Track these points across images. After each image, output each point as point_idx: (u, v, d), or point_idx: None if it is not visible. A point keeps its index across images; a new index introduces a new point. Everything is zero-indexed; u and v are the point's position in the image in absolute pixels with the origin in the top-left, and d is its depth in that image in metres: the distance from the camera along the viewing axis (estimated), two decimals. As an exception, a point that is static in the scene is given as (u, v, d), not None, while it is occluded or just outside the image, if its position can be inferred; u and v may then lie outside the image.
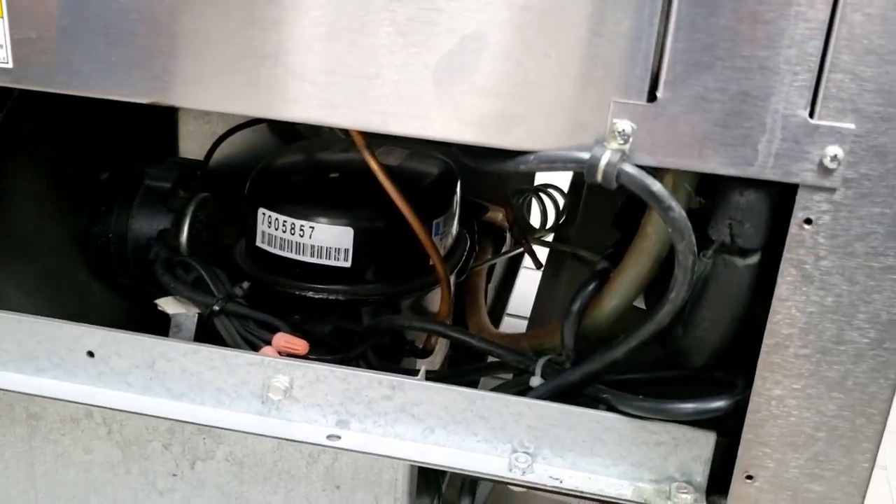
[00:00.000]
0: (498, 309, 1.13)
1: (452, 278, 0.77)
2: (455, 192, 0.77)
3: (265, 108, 0.50)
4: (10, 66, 0.52)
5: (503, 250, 1.01)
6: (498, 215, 0.97)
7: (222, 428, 0.59)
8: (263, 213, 0.70)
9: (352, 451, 0.57)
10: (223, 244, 0.78)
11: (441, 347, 0.78)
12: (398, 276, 0.70)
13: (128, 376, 0.60)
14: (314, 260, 0.68)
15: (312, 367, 0.57)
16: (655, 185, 0.45)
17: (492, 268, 1.03)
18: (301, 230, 0.68)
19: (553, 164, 0.47)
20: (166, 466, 0.62)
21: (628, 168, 0.45)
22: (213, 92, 0.50)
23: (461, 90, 0.47)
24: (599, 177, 0.45)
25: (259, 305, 0.69)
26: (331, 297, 0.68)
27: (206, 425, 0.59)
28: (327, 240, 0.68)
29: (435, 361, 0.78)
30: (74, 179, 0.76)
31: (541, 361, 0.59)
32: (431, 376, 0.60)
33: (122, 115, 0.66)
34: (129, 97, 0.51)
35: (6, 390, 0.60)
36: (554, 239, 1.04)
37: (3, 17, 0.51)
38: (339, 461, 0.59)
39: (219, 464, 0.61)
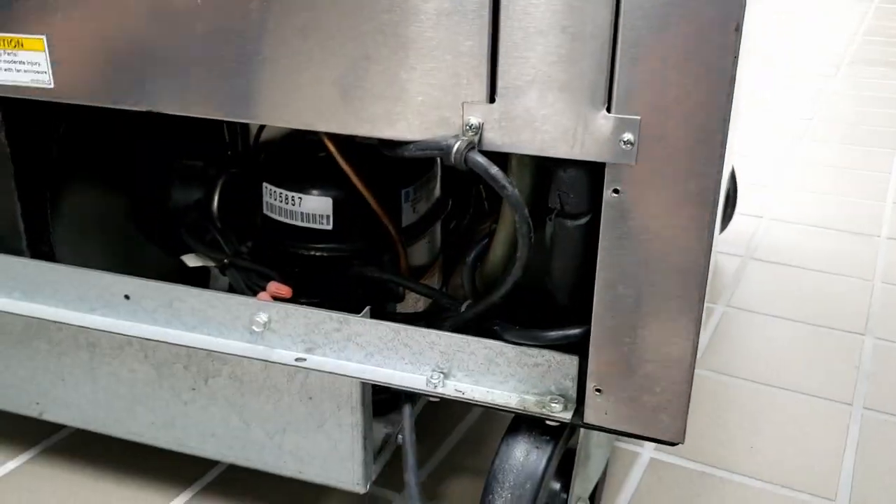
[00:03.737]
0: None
1: (437, 236, 0.93)
2: (431, 165, 0.92)
3: (226, 111, 0.67)
4: (52, 86, 0.71)
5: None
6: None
7: (223, 353, 0.77)
8: (267, 187, 0.87)
9: (313, 370, 0.74)
10: (246, 211, 0.96)
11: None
12: (371, 237, 0.87)
13: (154, 314, 0.79)
14: (303, 224, 0.86)
15: (283, 306, 0.75)
16: (493, 169, 0.60)
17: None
18: (293, 200, 0.85)
19: (425, 150, 0.62)
20: (187, 382, 0.81)
21: (473, 155, 0.60)
22: (187, 98, 0.67)
23: (357, 96, 0.63)
24: (453, 161, 0.60)
25: (266, 261, 0.88)
26: (316, 254, 0.86)
27: (212, 350, 0.78)
28: (312, 208, 0.85)
29: (418, 306, 0.94)
30: (130, 161, 0.96)
31: (465, 304, 0.75)
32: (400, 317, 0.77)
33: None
34: (130, 107, 0.69)
35: (71, 325, 0.81)
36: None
37: (44, 50, 0.70)
38: (310, 378, 0.76)
39: (225, 380, 0.79)
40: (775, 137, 2.17)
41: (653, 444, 1.00)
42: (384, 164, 0.85)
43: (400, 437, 0.80)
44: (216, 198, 0.94)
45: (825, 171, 1.94)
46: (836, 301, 1.36)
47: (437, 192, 0.95)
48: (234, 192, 0.96)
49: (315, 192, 0.85)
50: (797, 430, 1.04)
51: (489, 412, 1.06)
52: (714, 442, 1.01)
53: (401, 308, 0.91)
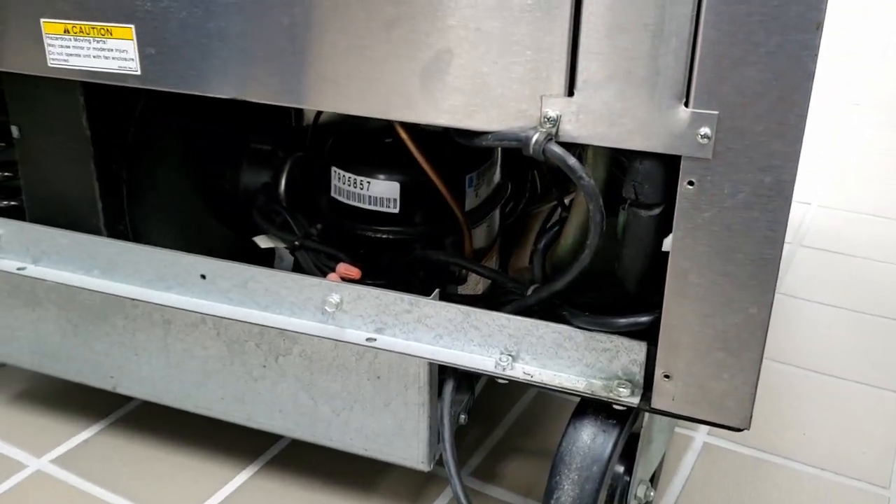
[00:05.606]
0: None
1: (496, 220, 0.95)
2: (492, 151, 0.94)
3: (309, 100, 0.69)
4: (139, 73, 0.74)
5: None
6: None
7: (295, 332, 0.80)
8: (335, 171, 0.90)
9: (383, 350, 0.77)
10: (312, 194, 0.98)
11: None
12: (435, 220, 0.89)
13: (228, 293, 0.82)
14: (371, 207, 0.88)
15: (355, 287, 0.77)
16: (571, 160, 0.61)
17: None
18: (361, 184, 0.88)
19: (502, 141, 0.64)
20: (258, 360, 0.84)
21: (551, 146, 0.61)
22: (272, 87, 0.69)
23: (438, 88, 0.65)
24: (531, 152, 0.62)
25: (334, 242, 0.90)
26: (383, 237, 0.88)
27: (283, 329, 0.80)
28: (380, 191, 0.87)
29: (478, 289, 0.96)
30: (202, 145, 0.99)
31: (531, 287, 0.77)
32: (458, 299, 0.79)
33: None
34: (216, 94, 0.72)
35: (147, 302, 0.84)
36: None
37: (133, 40, 0.72)
38: (378, 357, 0.79)
39: (295, 358, 0.82)
40: (823, 122, 2.16)
41: (706, 429, 1.02)
42: (450, 149, 0.87)
43: (462, 416, 0.83)
44: (283, 181, 0.97)
45: (875, 157, 1.93)
46: (885, 289, 1.36)
47: (497, 176, 0.97)
48: (300, 175, 0.98)
49: (382, 176, 0.87)
50: (850, 418, 1.05)
51: (542, 394, 1.08)
52: (767, 428, 1.03)
53: (461, 290, 0.93)
